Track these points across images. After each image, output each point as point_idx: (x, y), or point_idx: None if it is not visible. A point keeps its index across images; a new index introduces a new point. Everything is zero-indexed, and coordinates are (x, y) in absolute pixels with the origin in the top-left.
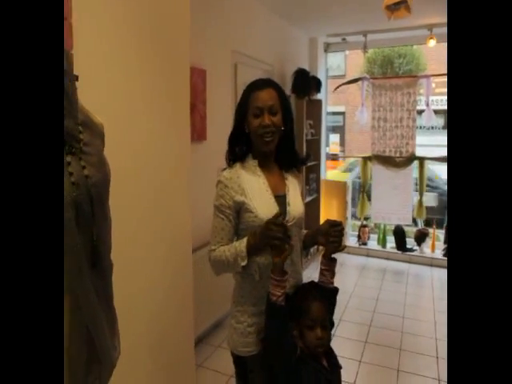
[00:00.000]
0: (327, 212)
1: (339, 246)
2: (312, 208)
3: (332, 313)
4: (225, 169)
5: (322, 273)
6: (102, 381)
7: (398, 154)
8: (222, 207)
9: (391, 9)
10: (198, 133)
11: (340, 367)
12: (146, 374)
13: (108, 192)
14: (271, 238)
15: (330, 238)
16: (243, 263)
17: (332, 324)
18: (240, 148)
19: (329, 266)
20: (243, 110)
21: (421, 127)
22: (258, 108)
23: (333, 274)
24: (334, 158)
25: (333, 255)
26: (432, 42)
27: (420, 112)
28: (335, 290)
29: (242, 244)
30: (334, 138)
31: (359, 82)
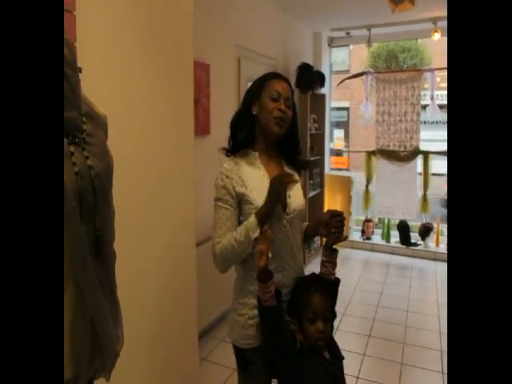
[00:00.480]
0: (331, 207)
1: (340, 237)
2: (316, 203)
3: (334, 304)
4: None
5: (323, 264)
6: (105, 370)
7: (402, 149)
8: (225, 197)
9: (395, 1)
10: (202, 127)
11: (342, 358)
12: (149, 368)
13: (111, 182)
14: (278, 193)
15: (332, 228)
16: (255, 235)
17: (334, 315)
18: (242, 133)
19: (330, 257)
20: (256, 91)
21: (425, 122)
22: (278, 92)
23: (334, 266)
24: (338, 153)
25: (334, 246)
26: (436, 36)
27: (425, 106)
28: (337, 281)
29: (250, 218)
30: (339, 133)
31: (363, 76)
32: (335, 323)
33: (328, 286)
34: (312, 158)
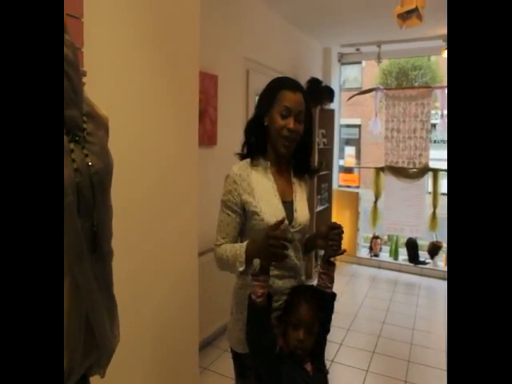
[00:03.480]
0: (339, 222)
1: (338, 250)
2: (323, 218)
3: (329, 319)
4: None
5: (320, 276)
6: (100, 366)
7: (411, 165)
8: (229, 203)
9: (403, 17)
10: (209, 137)
11: (326, 372)
12: (148, 375)
13: (110, 181)
14: (272, 254)
15: (330, 241)
16: (241, 268)
17: (327, 330)
18: (255, 140)
19: (327, 269)
20: (268, 103)
21: (435, 141)
22: (287, 109)
23: (331, 279)
24: (348, 169)
25: (331, 259)
26: (446, 53)
27: (435, 125)
28: (333, 296)
29: (242, 248)
30: (350, 150)
31: (373, 93)
32: (339, 338)
33: (323, 299)
34: (320, 173)
